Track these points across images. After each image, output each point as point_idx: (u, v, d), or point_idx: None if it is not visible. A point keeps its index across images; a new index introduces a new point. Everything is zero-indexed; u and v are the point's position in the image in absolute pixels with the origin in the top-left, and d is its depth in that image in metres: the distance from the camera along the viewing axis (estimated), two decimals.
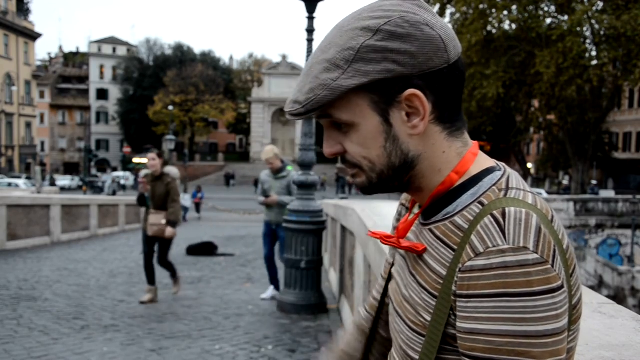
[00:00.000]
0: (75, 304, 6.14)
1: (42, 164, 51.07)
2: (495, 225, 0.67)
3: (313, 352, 4.52)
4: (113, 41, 69.27)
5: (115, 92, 63.97)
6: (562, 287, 0.66)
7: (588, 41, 29.57)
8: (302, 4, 5.84)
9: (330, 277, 7.85)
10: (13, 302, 6.16)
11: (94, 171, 53.32)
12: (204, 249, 10.89)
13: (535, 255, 0.64)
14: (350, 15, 0.78)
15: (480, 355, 0.66)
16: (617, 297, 16.43)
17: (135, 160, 54.11)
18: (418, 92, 0.73)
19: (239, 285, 7.61)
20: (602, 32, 28.26)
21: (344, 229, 5.99)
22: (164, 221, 6.07)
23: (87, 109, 67.46)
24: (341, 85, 0.73)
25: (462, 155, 0.78)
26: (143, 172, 6.35)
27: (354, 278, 4.35)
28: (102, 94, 67.37)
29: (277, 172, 6.33)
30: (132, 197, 15.11)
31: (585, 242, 21.12)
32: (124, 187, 42.62)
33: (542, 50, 28.22)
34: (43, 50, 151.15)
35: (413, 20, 0.73)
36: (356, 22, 0.75)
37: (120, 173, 48.50)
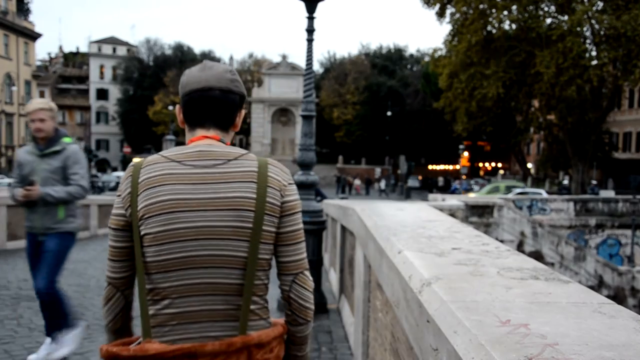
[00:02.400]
0: (75, 304, 6.09)
1: None
2: None
3: (313, 351, 4.52)
4: (113, 41, 69.29)
5: (115, 92, 63.98)
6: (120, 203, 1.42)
7: (588, 41, 29.57)
8: (302, 4, 5.84)
9: (330, 277, 7.86)
10: (13, 302, 6.15)
11: (94, 171, 53.33)
12: None
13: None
14: None
15: None
16: (617, 297, 16.42)
17: (136, 160, 54.00)
18: (178, 106, 1.52)
19: None
20: (602, 32, 28.26)
21: (344, 229, 5.99)
22: None
23: (87, 109, 67.48)
24: None
25: (188, 140, 1.48)
26: None
27: (354, 278, 4.35)
28: (102, 94, 67.38)
29: (45, 145, 3.82)
30: None
31: (585, 242, 21.11)
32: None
33: (542, 50, 28.20)
34: (43, 50, 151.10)
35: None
36: None
37: (120, 173, 48.48)
